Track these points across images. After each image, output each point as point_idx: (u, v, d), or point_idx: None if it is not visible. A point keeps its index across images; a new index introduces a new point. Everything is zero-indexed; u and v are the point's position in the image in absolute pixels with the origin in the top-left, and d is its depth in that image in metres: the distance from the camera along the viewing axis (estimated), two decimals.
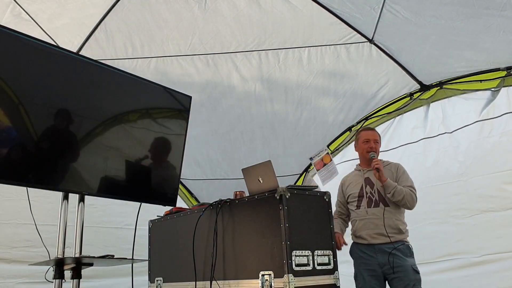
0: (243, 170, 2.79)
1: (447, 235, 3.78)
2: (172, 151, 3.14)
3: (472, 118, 3.83)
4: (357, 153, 3.30)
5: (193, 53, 3.96)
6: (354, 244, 3.02)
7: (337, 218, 3.11)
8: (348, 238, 3.11)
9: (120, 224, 4.37)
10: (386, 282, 2.92)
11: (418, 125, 4.23)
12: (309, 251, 2.54)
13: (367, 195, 2.97)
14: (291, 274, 2.39)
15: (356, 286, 2.96)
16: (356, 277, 2.96)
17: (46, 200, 3.29)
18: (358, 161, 3.32)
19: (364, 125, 4.50)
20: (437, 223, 3.79)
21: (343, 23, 3.68)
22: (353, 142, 3.35)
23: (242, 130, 4.74)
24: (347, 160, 4.49)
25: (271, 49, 3.95)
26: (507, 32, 3.24)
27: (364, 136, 3.16)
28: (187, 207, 4.25)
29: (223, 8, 3.60)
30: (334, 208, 3.01)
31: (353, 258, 3.01)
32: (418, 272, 2.82)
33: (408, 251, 2.87)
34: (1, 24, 2.33)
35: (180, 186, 5.10)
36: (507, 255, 3.45)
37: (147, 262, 3.40)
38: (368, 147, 3.10)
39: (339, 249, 2.86)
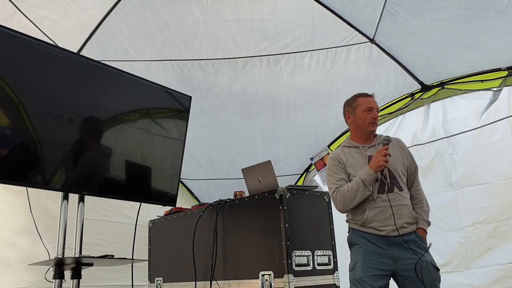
0: (243, 170, 2.79)
1: (437, 246, 3.71)
2: (172, 151, 3.14)
3: (473, 118, 3.82)
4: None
5: (193, 57, 3.96)
6: (359, 231, 2.44)
7: (341, 186, 2.45)
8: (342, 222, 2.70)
9: None
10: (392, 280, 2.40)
11: (419, 126, 4.22)
12: (309, 251, 2.54)
13: (378, 179, 2.41)
14: (291, 274, 2.39)
15: (350, 279, 2.40)
16: (353, 268, 2.38)
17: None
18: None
19: None
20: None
21: (344, 23, 3.67)
22: (347, 115, 2.66)
23: (243, 135, 4.74)
24: None
25: (273, 54, 3.95)
26: (508, 34, 3.23)
27: (365, 104, 2.55)
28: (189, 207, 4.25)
29: (225, 12, 3.60)
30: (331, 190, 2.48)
31: (353, 246, 2.46)
32: (438, 269, 2.35)
33: (425, 244, 2.40)
34: None
35: (182, 186, 5.11)
36: (497, 267, 3.41)
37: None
38: (371, 117, 2.52)
39: (388, 153, 2.35)
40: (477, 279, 3.49)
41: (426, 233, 2.45)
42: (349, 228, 2.54)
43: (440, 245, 3.66)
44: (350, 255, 2.48)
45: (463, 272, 3.58)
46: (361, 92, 2.66)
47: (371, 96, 2.62)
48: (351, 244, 2.49)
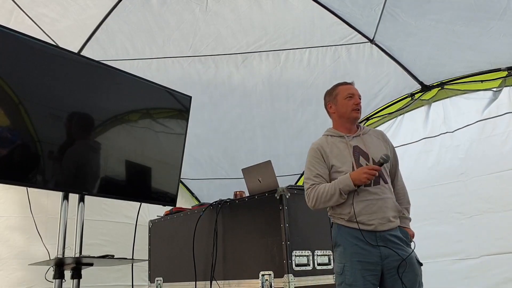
0: (243, 170, 2.79)
1: (447, 236, 3.77)
2: (172, 151, 3.14)
3: (473, 118, 3.82)
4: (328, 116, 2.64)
5: (194, 54, 3.97)
6: (344, 228, 2.30)
7: (319, 184, 2.32)
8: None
9: None
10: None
11: (419, 125, 4.22)
12: (309, 251, 2.54)
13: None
14: (291, 274, 2.39)
15: (339, 282, 2.26)
16: (342, 271, 2.24)
17: None
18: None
19: (366, 125, 4.48)
20: (436, 223, 3.77)
21: (344, 23, 3.68)
22: (328, 105, 2.58)
23: (243, 129, 4.75)
24: None
25: (272, 50, 3.96)
26: (507, 35, 3.23)
27: (345, 91, 2.47)
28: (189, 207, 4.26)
29: (225, 11, 3.61)
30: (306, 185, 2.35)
31: (337, 247, 2.32)
32: (421, 264, 2.32)
33: (408, 238, 2.34)
34: None
35: (182, 186, 5.11)
36: (506, 256, 3.43)
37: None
38: (354, 103, 2.42)
39: (375, 174, 2.25)
40: (486, 266, 3.53)
41: (410, 229, 2.40)
42: (332, 223, 2.39)
43: (450, 233, 3.73)
44: (334, 256, 2.36)
45: (472, 259, 3.63)
46: (340, 82, 2.58)
47: (350, 84, 2.54)
48: (335, 244, 2.36)
